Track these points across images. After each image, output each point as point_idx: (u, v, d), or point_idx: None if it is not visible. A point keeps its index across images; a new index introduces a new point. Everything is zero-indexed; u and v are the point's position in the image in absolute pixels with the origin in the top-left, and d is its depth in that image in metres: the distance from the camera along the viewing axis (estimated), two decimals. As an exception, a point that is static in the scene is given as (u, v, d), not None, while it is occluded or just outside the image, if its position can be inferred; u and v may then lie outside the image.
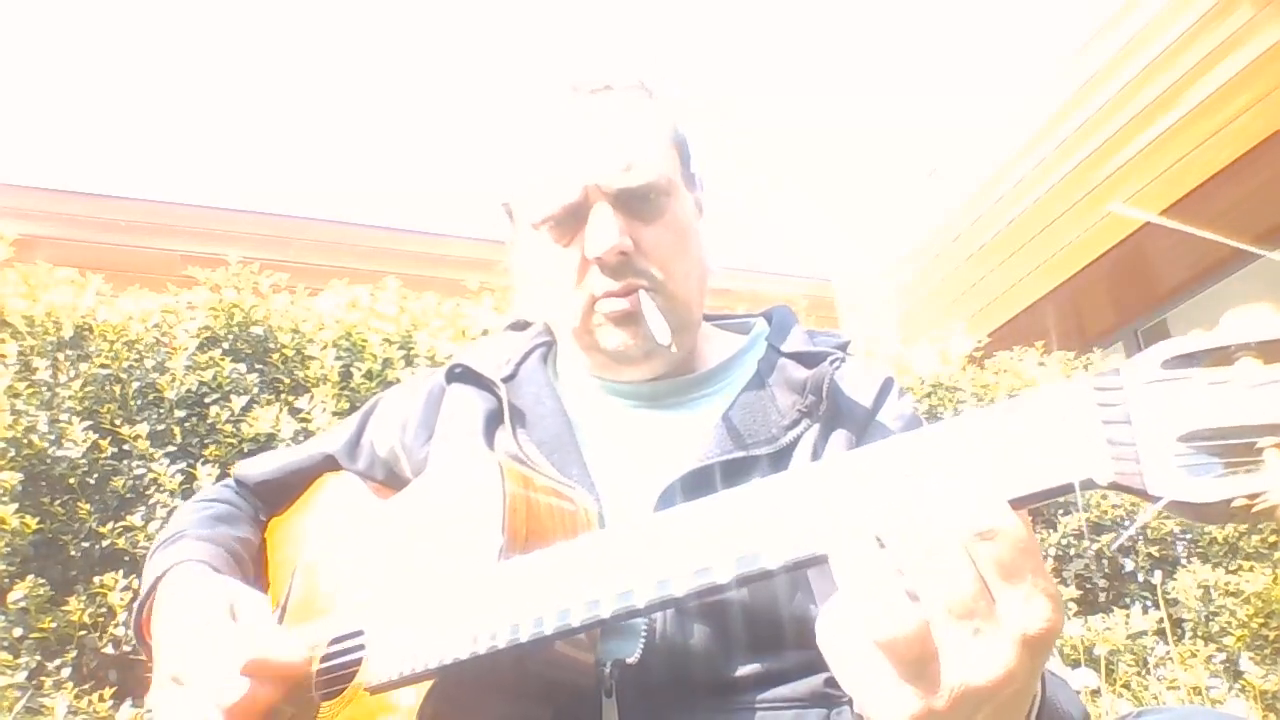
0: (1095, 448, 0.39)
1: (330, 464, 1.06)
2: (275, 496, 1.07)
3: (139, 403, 2.01)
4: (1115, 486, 0.38)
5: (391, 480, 1.01)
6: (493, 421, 0.92)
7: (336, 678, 0.77)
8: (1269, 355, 0.35)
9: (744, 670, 0.75)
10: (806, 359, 0.92)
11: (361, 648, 0.75)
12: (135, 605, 0.91)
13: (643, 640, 0.74)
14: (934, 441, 0.44)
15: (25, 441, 1.84)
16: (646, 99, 0.93)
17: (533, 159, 0.91)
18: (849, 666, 0.45)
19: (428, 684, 0.65)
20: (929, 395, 2.84)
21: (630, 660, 0.73)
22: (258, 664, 0.71)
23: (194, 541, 0.93)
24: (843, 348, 0.96)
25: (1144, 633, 2.38)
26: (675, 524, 0.54)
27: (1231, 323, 0.36)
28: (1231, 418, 0.35)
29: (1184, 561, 2.70)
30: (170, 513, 1.86)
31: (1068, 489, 0.39)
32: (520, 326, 1.11)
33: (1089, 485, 0.39)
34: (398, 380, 2.21)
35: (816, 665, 0.75)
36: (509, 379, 0.97)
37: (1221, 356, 0.36)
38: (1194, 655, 2.38)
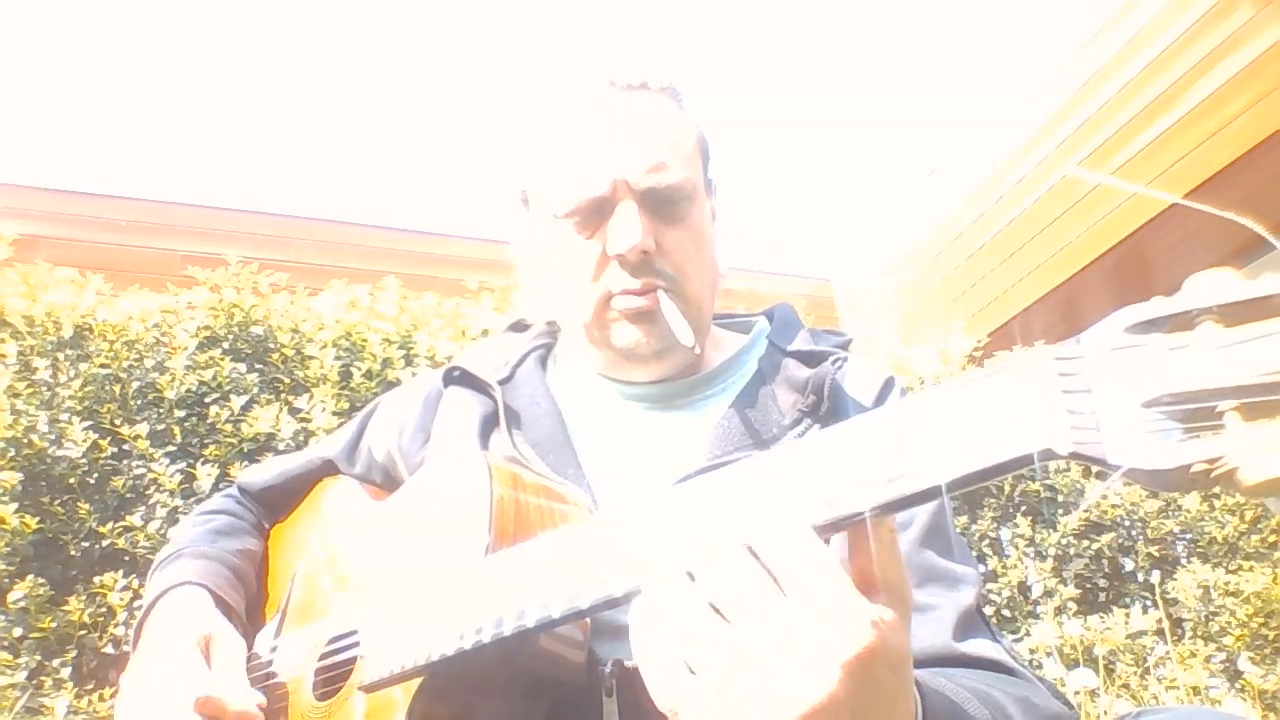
0: (1055, 418, 0.39)
1: (330, 468, 1.06)
2: (278, 503, 1.09)
3: (139, 403, 2.02)
4: (1075, 456, 0.38)
5: (389, 484, 1.02)
6: (489, 424, 0.92)
7: (334, 677, 0.78)
8: (1229, 318, 0.35)
9: None
10: (809, 358, 0.92)
11: (357, 646, 0.75)
12: (135, 626, 0.92)
13: None
14: (893, 418, 0.44)
15: (25, 441, 1.84)
16: (678, 102, 0.94)
17: (562, 149, 0.90)
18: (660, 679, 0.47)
19: (417, 681, 0.66)
20: (929, 395, 2.83)
21: (629, 664, 0.72)
22: (209, 703, 0.74)
23: (192, 560, 0.94)
24: (844, 346, 0.96)
25: (1143, 633, 2.37)
26: (658, 513, 0.54)
27: (1193, 287, 0.36)
28: (1192, 382, 0.35)
29: (1184, 561, 2.68)
30: (170, 513, 1.87)
31: (1027, 460, 0.39)
32: (520, 328, 1.11)
33: (1048, 456, 0.39)
34: (398, 380, 2.22)
35: None
36: (505, 381, 0.97)
37: (1183, 321, 0.36)
38: (1193, 655, 2.37)
